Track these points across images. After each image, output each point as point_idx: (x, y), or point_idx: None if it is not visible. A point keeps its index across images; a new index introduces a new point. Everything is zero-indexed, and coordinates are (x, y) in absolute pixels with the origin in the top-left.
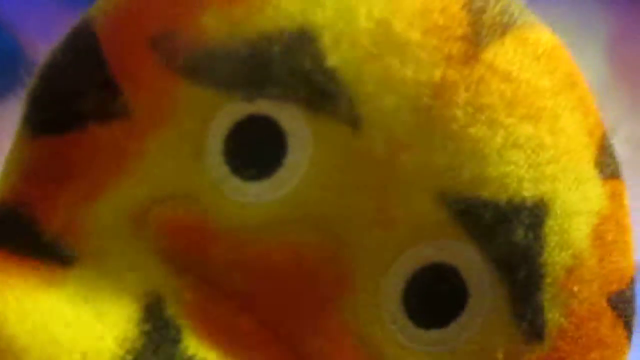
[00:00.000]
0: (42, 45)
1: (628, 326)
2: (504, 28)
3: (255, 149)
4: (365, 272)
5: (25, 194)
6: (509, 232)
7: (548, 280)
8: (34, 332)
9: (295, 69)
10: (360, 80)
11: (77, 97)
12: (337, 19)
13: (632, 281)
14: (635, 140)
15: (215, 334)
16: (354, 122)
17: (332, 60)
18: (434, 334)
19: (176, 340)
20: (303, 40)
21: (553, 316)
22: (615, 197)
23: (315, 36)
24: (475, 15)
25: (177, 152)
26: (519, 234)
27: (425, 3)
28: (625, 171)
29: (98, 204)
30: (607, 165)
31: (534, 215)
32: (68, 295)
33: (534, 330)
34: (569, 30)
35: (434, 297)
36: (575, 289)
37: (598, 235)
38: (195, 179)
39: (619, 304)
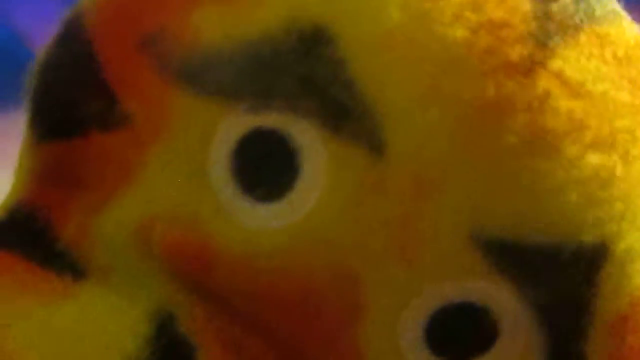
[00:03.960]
0: None
1: None
2: (578, 23)
3: (265, 167)
4: (381, 305)
5: (41, 197)
6: (558, 279)
7: (597, 328)
8: (41, 348)
9: (306, 78)
10: (387, 96)
11: (76, 102)
12: (359, 14)
13: None
14: None
15: (227, 352)
16: (378, 148)
17: (353, 68)
18: None
19: (190, 359)
20: (316, 42)
21: None
22: None
23: (332, 36)
24: (543, 5)
25: (177, 168)
26: (571, 281)
27: None
28: None
29: (103, 216)
30: None
31: (591, 261)
32: (78, 309)
33: None
34: None
35: (459, 333)
36: (629, 338)
37: None
38: (199, 198)
39: None
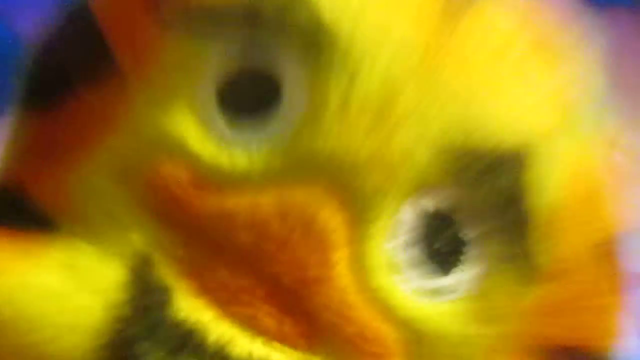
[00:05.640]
0: None
1: (617, 277)
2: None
3: (249, 98)
4: (367, 218)
5: (19, 172)
6: (493, 180)
7: (532, 225)
8: (17, 304)
9: (285, 9)
10: (353, 26)
11: (68, 62)
12: None
13: (615, 235)
14: (634, 152)
15: (211, 291)
16: (352, 70)
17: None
18: (439, 283)
19: (164, 304)
20: None
21: (542, 261)
22: (589, 151)
23: None
24: None
25: (164, 105)
26: (503, 181)
27: None
28: (625, 183)
29: (84, 167)
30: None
31: (515, 163)
32: (51, 264)
33: (528, 274)
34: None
35: (435, 245)
36: (559, 235)
37: (576, 184)
38: (187, 130)
39: (604, 253)
